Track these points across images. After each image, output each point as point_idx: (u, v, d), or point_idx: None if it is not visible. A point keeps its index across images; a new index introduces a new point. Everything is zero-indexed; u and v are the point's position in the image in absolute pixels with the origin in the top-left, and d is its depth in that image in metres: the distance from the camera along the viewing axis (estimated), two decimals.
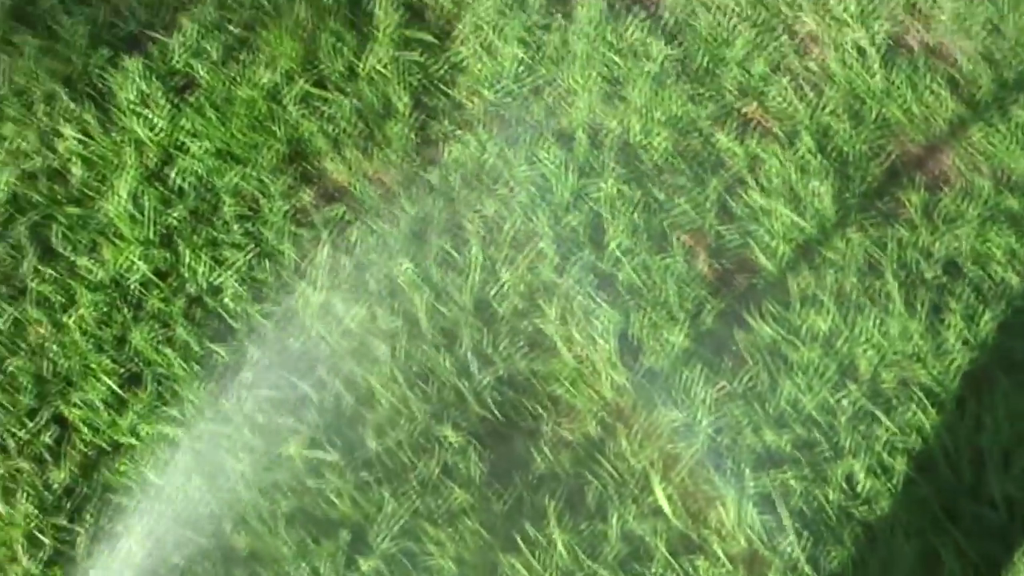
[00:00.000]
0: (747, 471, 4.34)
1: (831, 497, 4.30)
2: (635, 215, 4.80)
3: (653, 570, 4.25)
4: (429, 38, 5.30)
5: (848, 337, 4.56)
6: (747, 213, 4.84)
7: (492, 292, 4.67)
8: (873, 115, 5.04)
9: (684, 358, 4.54)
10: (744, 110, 5.09)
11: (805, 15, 5.30)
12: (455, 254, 4.74)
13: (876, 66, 5.13)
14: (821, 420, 4.43)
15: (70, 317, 4.78)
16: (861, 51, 5.18)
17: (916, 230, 4.77)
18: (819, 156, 4.91)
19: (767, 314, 4.62)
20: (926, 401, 4.43)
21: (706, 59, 5.19)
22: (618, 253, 4.72)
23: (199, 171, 5.01)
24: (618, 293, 4.66)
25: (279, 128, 5.08)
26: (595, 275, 4.69)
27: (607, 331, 4.57)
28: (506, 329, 4.62)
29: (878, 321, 4.57)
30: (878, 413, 4.42)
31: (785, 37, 5.26)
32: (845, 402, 4.45)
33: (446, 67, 5.24)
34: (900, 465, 4.34)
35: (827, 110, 5.04)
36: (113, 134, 5.16)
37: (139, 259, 4.84)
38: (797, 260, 4.72)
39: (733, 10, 5.30)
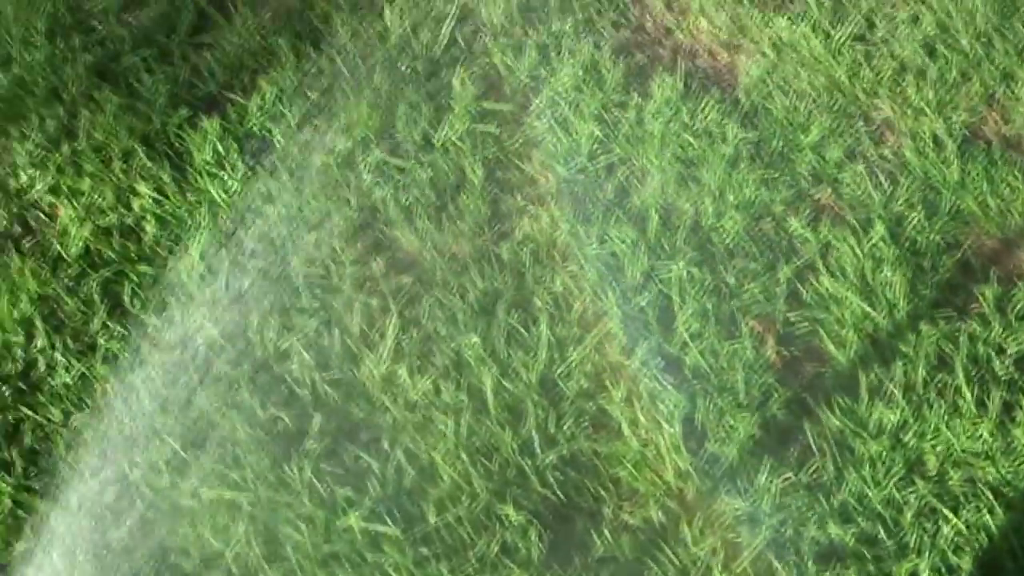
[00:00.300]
0: (810, 564, 4.29)
1: None
2: (705, 299, 4.78)
3: None
4: (505, 111, 5.32)
5: (916, 432, 4.50)
6: (817, 301, 4.80)
7: (559, 371, 4.66)
8: (948, 206, 4.99)
9: (749, 446, 4.50)
10: (817, 196, 5.06)
11: (882, 102, 5.28)
12: (523, 331, 4.74)
13: (952, 157, 5.08)
14: (887, 515, 4.37)
15: (137, 376, 4.80)
16: (937, 141, 5.15)
17: (989, 325, 4.71)
18: (892, 246, 4.87)
19: (835, 404, 4.57)
20: (994, 501, 4.36)
21: (781, 143, 5.17)
22: (686, 336, 4.69)
23: (271, 235, 5.04)
24: (685, 377, 4.64)
25: (352, 195, 5.11)
26: (662, 358, 4.67)
27: (672, 415, 4.54)
28: (571, 409, 4.61)
29: (947, 417, 4.52)
30: (945, 511, 4.36)
31: (861, 124, 5.24)
32: (912, 498, 4.39)
33: (521, 141, 5.26)
34: (966, 565, 4.27)
35: (901, 199, 5.01)
36: (188, 194, 5.22)
37: (208, 320, 4.86)
38: (867, 351, 4.67)
39: (809, 95, 5.29)
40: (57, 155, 5.42)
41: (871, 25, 5.49)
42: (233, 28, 5.72)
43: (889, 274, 4.80)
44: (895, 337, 4.69)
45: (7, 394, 4.88)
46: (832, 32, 5.45)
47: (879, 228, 4.92)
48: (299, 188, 5.11)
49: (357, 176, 5.15)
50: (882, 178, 5.07)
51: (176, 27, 5.74)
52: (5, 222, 5.32)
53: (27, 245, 5.23)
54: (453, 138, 5.22)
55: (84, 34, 5.79)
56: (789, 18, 5.51)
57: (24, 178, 5.41)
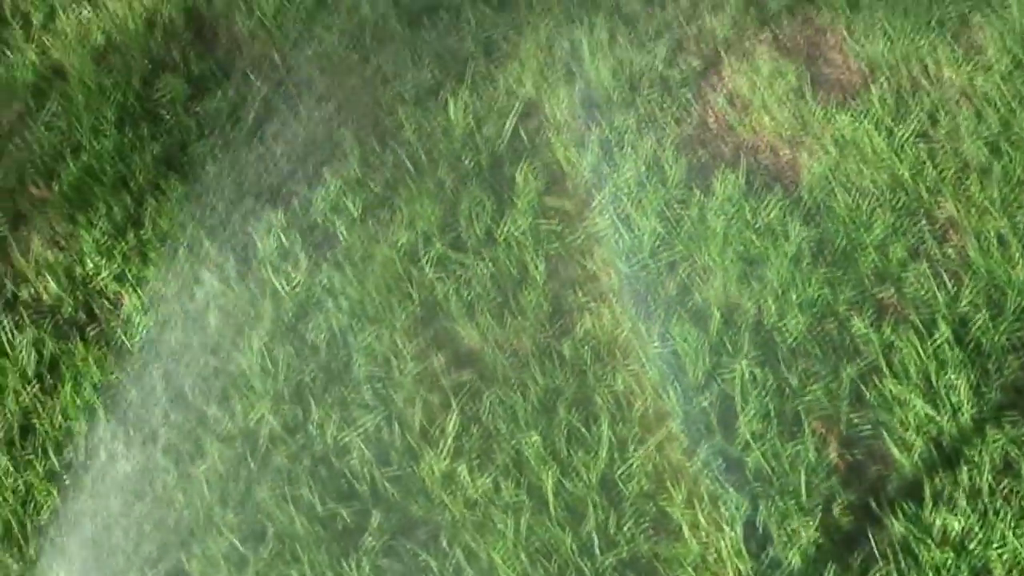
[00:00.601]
0: None
1: None
2: (767, 399, 4.74)
3: None
4: (568, 206, 5.33)
5: (982, 539, 4.43)
6: (881, 402, 4.75)
7: (619, 471, 4.63)
8: (1013, 307, 4.94)
9: (812, 551, 4.45)
10: (881, 295, 5.03)
11: (945, 200, 5.25)
12: (584, 429, 4.72)
13: (1017, 256, 5.04)
14: None
15: (198, 467, 4.81)
16: (1002, 240, 5.10)
17: None
18: (956, 347, 4.82)
19: (899, 510, 4.51)
20: None
21: (844, 241, 5.14)
22: (748, 438, 4.65)
23: (334, 328, 5.06)
24: (747, 479, 4.59)
25: (415, 289, 5.12)
26: (724, 459, 4.63)
27: (734, 518, 4.49)
28: (631, 510, 4.57)
29: (1014, 524, 4.44)
30: None
31: (924, 222, 5.20)
32: None
33: (583, 237, 5.26)
34: None
35: (966, 300, 4.96)
36: (251, 285, 5.25)
37: (269, 413, 4.88)
38: (931, 454, 4.61)
39: (872, 193, 5.27)
40: (123, 243, 5.49)
41: (934, 122, 5.48)
42: (298, 120, 5.79)
43: (953, 376, 4.75)
44: (960, 441, 4.63)
45: (67, 482, 4.90)
46: (895, 129, 5.45)
47: (943, 329, 4.87)
48: (362, 281, 5.13)
49: (419, 270, 5.17)
50: (946, 278, 5.02)
51: (242, 118, 5.80)
52: (71, 309, 5.37)
53: (91, 333, 5.28)
54: (516, 233, 5.24)
55: (152, 123, 5.89)
56: (851, 115, 5.51)
57: (90, 265, 5.48)
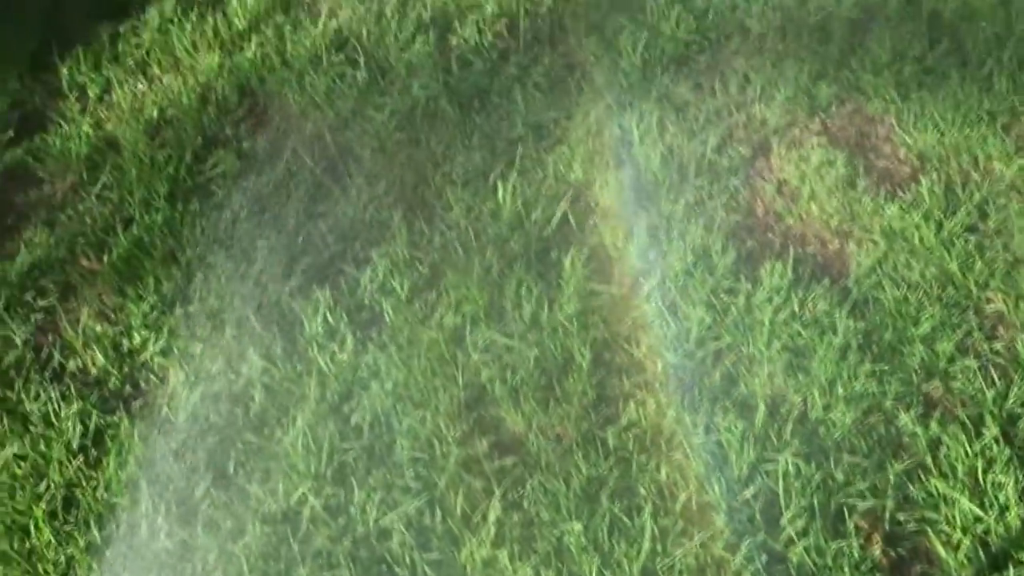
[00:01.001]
0: None
1: None
2: (812, 494, 4.70)
3: None
4: (615, 293, 5.33)
5: None
6: (926, 500, 4.71)
7: (661, 564, 4.59)
8: None
9: None
10: (928, 391, 4.99)
11: (994, 295, 5.22)
12: (626, 520, 4.68)
13: None
14: None
15: (237, 545, 4.81)
16: None
17: None
18: (1005, 445, 4.77)
19: None
20: None
21: (891, 335, 5.12)
22: (792, 533, 4.61)
23: (378, 410, 5.06)
24: (789, 575, 4.54)
25: (459, 373, 5.12)
26: (767, 555, 4.58)
27: None
28: None
29: None
30: None
31: (973, 317, 5.18)
32: None
33: (629, 324, 5.26)
34: None
35: (1014, 397, 4.92)
36: (297, 364, 5.27)
37: (311, 493, 4.88)
38: (977, 554, 4.56)
39: (921, 286, 5.25)
40: (171, 317, 5.53)
41: (984, 216, 5.47)
42: (348, 199, 5.83)
43: (1001, 475, 4.70)
44: (1007, 541, 4.57)
45: (108, 556, 4.89)
46: (944, 222, 5.44)
47: (991, 426, 4.83)
48: (407, 363, 5.14)
49: (465, 354, 5.17)
50: (994, 374, 4.99)
51: (291, 195, 5.86)
52: (116, 381, 5.40)
53: (136, 406, 5.30)
54: (562, 319, 5.24)
55: (203, 198, 5.95)
56: (901, 207, 5.51)
57: (137, 339, 5.51)
